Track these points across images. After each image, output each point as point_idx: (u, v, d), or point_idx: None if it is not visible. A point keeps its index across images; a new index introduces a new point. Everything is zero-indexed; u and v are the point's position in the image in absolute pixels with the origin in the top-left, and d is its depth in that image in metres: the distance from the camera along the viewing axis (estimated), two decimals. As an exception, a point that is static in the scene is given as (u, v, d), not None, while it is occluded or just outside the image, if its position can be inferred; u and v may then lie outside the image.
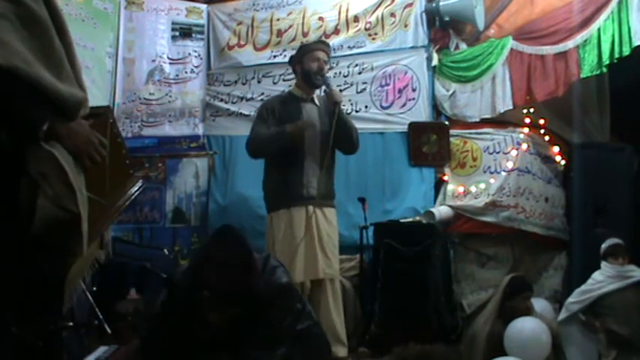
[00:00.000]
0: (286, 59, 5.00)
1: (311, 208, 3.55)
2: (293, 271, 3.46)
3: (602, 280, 3.92)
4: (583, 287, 3.96)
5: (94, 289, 3.68)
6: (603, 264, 3.95)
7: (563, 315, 3.97)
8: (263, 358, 2.03)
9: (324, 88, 3.71)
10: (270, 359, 2.03)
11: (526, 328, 3.66)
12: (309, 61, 3.66)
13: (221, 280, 2.03)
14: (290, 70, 4.98)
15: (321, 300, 3.57)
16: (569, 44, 4.34)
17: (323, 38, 4.93)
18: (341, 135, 3.62)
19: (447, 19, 4.71)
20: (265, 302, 2.10)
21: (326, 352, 2.40)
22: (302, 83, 3.72)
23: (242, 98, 5.13)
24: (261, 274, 2.14)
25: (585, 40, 4.27)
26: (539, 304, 4.10)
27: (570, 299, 3.98)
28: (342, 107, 3.79)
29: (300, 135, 3.58)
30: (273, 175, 3.66)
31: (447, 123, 4.73)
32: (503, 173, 4.54)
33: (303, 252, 3.50)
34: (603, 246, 3.98)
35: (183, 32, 5.25)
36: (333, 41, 4.91)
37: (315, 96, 3.77)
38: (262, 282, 2.12)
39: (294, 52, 4.97)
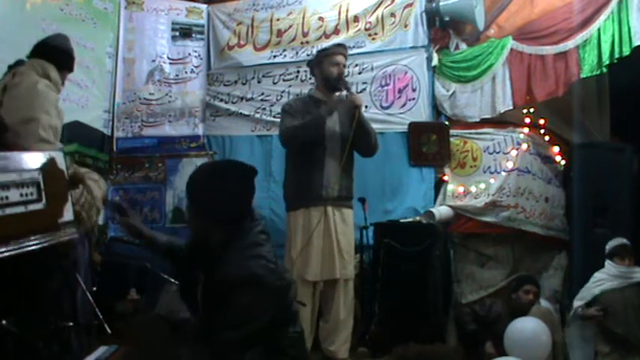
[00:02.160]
0: (286, 59, 5.05)
1: (330, 208, 3.61)
2: (309, 271, 3.49)
3: (603, 278, 3.93)
4: (585, 286, 3.98)
5: (94, 289, 3.68)
6: (608, 263, 3.95)
7: (571, 314, 3.99)
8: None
9: (345, 92, 3.73)
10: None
11: (526, 328, 3.67)
12: (328, 66, 3.69)
13: (196, 180, 2.07)
14: (290, 71, 5.03)
15: (333, 299, 3.62)
16: (569, 44, 4.34)
17: (323, 38, 4.95)
18: (360, 138, 3.69)
19: (447, 19, 4.71)
20: (230, 279, 1.93)
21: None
22: (322, 86, 3.74)
23: (242, 98, 5.13)
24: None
25: (585, 40, 4.27)
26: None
27: (575, 301, 4.00)
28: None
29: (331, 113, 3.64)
30: (293, 175, 3.71)
31: (447, 123, 4.73)
32: (503, 173, 4.54)
33: (321, 252, 3.55)
34: (610, 245, 3.98)
35: (183, 32, 5.25)
36: (333, 41, 4.90)
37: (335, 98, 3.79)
38: (238, 254, 1.98)
39: (294, 52, 5.03)
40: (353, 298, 3.78)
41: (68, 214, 2.17)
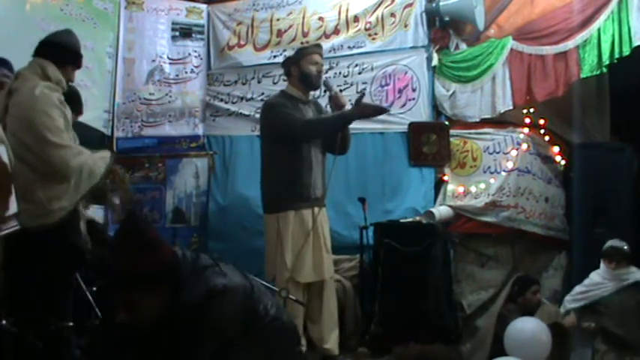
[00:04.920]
0: (286, 59, 5.04)
1: (317, 209, 3.59)
2: (302, 273, 3.48)
3: (599, 281, 3.94)
4: (580, 287, 3.99)
5: (94, 289, 3.68)
6: (602, 264, 3.97)
7: (562, 312, 4.01)
8: None
9: (328, 92, 3.72)
10: None
11: (526, 328, 3.67)
12: (307, 64, 3.66)
13: (109, 264, 1.95)
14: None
15: (323, 299, 3.61)
16: (569, 44, 4.34)
17: (323, 38, 4.94)
18: (342, 139, 3.66)
19: (447, 19, 4.72)
20: (194, 309, 1.88)
21: (292, 345, 2.28)
22: (299, 85, 3.71)
23: (242, 98, 5.13)
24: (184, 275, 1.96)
25: (585, 40, 4.27)
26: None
27: (568, 297, 4.01)
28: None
29: (365, 115, 3.66)
30: (281, 175, 3.59)
31: (447, 123, 4.73)
32: (503, 173, 4.54)
33: (312, 253, 3.53)
34: (605, 246, 4.00)
35: (183, 32, 5.25)
36: (333, 41, 4.92)
37: (310, 97, 3.79)
38: (189, 284, 1.93)
39: (294, 52, 5.01)
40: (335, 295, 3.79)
41: (13, 207, 2.17)
